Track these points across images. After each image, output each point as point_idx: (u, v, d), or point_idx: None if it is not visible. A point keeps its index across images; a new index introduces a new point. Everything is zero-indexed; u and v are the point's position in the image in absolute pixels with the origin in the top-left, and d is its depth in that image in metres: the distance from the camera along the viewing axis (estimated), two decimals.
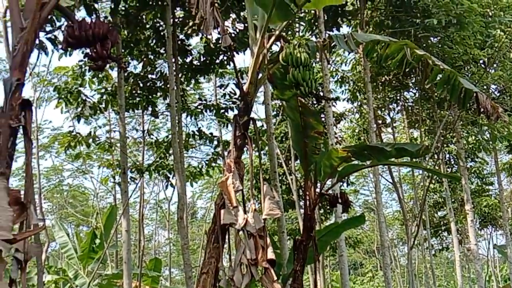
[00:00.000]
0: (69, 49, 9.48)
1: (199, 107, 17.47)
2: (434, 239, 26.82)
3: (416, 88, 19.52)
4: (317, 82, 8.27)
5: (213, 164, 18.11)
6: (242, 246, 7.46)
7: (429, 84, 9.68)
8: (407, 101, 19.96)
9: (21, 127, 5.43)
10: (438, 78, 8.90)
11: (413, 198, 23.94)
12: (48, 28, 12.38)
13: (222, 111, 17.28)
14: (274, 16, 7.39)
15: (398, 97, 19.34)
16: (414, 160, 9.91)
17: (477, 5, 15.16)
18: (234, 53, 14.40)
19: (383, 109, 19.61)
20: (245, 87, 7.82)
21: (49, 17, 6.12)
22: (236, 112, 7.84)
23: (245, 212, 7.51)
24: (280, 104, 15.91)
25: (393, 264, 42.43)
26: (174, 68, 13.10)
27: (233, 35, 13.96)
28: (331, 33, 12.77)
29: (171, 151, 16.87)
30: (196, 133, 17.03)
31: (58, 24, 12.39)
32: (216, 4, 8.21)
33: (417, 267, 25.65)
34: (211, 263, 7.53)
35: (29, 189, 5.41)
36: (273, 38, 7.77)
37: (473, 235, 21.28)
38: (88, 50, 5.79)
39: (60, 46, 12.78)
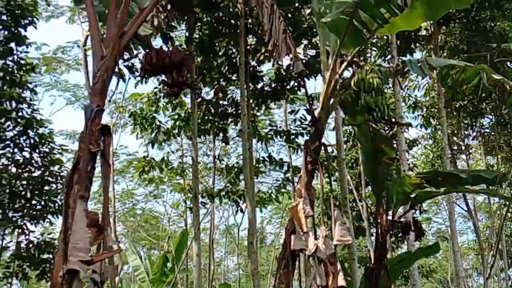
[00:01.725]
0: (146, 76, 9.78)
1: (269, 132, 17.55)
2: (511, 270, 26.10)
3: (493, 113, 19.19)
4: (389, 107, 8.24)
5: (283, 190, 18.16)
6: (313, 272, 7.47)
7: (507, 110, 9.47)
8: (483, 127, 19.61)
9: (99, 152, 5.63)
10: None
11: (489, 227, 23.42)
12: (126, 56, 12.72)
13: (293, 136, 17.33)
14: (346, 42, 7.44)
15: (473, 123, 19.03)
16: (490, 187, 9.70)
17: None
18: (305, 79, 14.54)
19: (458, 135, 19.32)
20: (316, 113, 7.87)
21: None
22: (307, 137, 7.86)
23: (315, 238, 7.52)
24: (351, 129, 15.85)
25: None
26: (245, 94, 13.22)
27: (304, 61, 14.07)
28: (404, 58, 12.68)
29: (241, 177, 17.04)
30: (267, 158, 17.08)
31: (135, 52, 12.72)
32: (288, 31, 8.34)
33: None
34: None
35: (106, 212, 5.59)
36: (345, 64, 7.81)
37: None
38: (164, 77, 5.98)
39: (137, 74, 13.09)
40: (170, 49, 6.01)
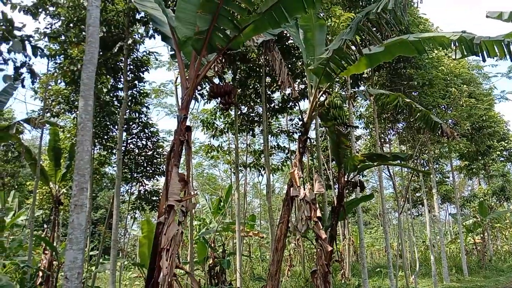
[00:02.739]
0: (210, 99, 9.80)
1: (277, 131, 17.54)
2: (413, 209, 25.80)
3: (404, 121, 19.03)
4: (346, 117, 8.16)
5: (285, 164, 18.08)
6: (302, 208, 7.47)
7: (413, 119, 9.33)
8: (398, 129, 19.34)
9: (185, 141, 5.66)
10: (418, 115, 8.67)
11: (401, 185, 23.20)
12: (199, 88, 12.80)
13: (291, 133, 17.29)
14: (322, 80, 7.39)
15: (393, 126, 18.79)
16: (403, 162, 9.60)
17: (441, 74, 14.69)
18: (299, 101, 14.49)
19: (384, 133, 19.09)
20: (305, 119, 7.86)
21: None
22: (299, 134, 7.85)
23: (304, 189, 7.52)
24: (324, 129, 15.76)
25: (388, 223, 41.20)
26: (265, 110, 13.18)
27: (298, 91, 14.07)
28: (354, 89, 12.59)
29: (262, 156, 17.05)
30: (276, 146, 17.08)
31: (204, 86, 12.77)
32: (289, 73, 8.31)
33: (403, 226, 24.71)
34: (284, 217, 7.57)
35: (188, 174, 5.62)
36: (321, 92, 7.76)
37: (437, 207, 20.41)
38: (219, 100, 6.00)
39: (205, 98, 13.10)
40: (223, 84, 6.01)
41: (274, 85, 13.92)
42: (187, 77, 5.85)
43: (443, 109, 17.11)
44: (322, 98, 8.63)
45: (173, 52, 6.78)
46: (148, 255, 9.31)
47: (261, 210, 34.96)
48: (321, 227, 7.31)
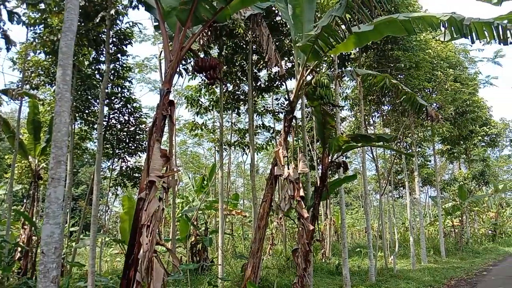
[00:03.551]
0: (195, 73, 9.58)
1: (263, 110, 17.39)
2: (394, 192, 26.21)
3: (389, 104, 19.10)
4: (332, 97, 8.08)
5: (269, 143, 18.03)
6: (286, 187, 7.45)
7: (399, 101, 9.30)
8: (383, 111, 19.43)
9: (168, 115, 5.52)
10: (404, 97, 8.65)
11: (383, 167, 23.47)
12: (183, 62, 12.52)
13: (276, 113, 17.19)
14: (310, 58, 7.27)
15: (378, 109, 18.86)
16: (387, 144, 9.61)
17: (428, 57, 14.68)
18: (285, 80, 14.37)
19: (368, 115, 19.16)
20: (291, 98, 7.75)
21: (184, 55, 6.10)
22: (285, 113, 7.77)
23: (288, 168, 7.49)
24: (310, 110, 15.70)
25: (369, 205, 41.88)
26: (251, 88, 13.03)
27: (285, 69, 13.93)
28: (342, 69, 12.54)
29: (246, 135, 16.95)
30: (261, 125, 16.95)
31: (189, 60, 12.49)
32: (277, 51, 8.16)
33: (384, 207, 25.17)
34: (268, 196, 7.54)
35: (171, 150, 5.50)
36: (308, 71, 7.65)
37: (418, 190, 20.71)
38: (204, 74, 5.84)
39: (189, 72, 12.86)
40: (208, 58, 5.84)
41: (261, 63, 13.72)
42: (171, 50, 5.67)
43: (428, 92, 17.19)
44: (309, 77, 8.54)
45: (157, 23, 6.56)
46: (129, 231, 9.18)
47: (244, 189, 35.05)
48: (304, 206, 7.31)
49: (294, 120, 7.74)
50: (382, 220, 16.46)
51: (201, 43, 6.87)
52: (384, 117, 19.87)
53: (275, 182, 7.58)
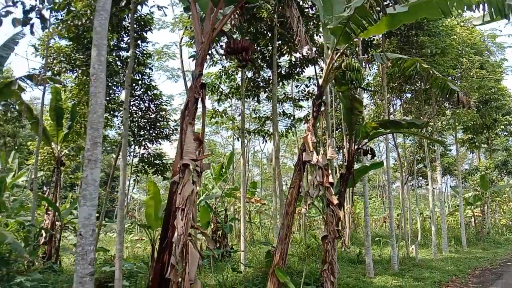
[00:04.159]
0: (226, 56, 9.32)
1: (284, 97, 17.20)
2: (414, 181, 25.85)
3: (410, 91, 18.77)
4: (363, 81, 7.90)
5: (289, 131, 17.88)
6: (315, 173, 7.33)
7: (428, 86, 9.04)
8: (406, 98, 19.07)
9: (200, 98, 5.43)
10: (434, 82, 8.40)
11: (403, 156, 23.15)
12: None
13: (296, 100, 16.98)
14: (340, 40, 7.09)
15: (400, 96, 18.52)
16: (417, 130, 9.39)
17: (454, 42, 14.29)
18: (314, 63, 14.21)
19: (389, 103, 18.84)
20: (320, 83, 7.58)
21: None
22: (313, 97, 7.58)
23: (317, 154, 7.36)
24: (336, 94, 15.38)
25: (387, 194, 41.70)
26: (275, 71, 12.83)
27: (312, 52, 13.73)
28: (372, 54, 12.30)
29: (267, 122, 16.84)
30: (281, 112, 16.76)
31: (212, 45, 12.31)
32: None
33: (403, 197, 24.90)
34: (296, 182, 7.44)
35: (203, 133, 5.42)
36: (338, 54, 7.47)
37: (440, 179, 20.40)
38: (236, 57, 5.72)
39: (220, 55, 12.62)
40: (240, 39, 5.72)
41: (285, 48, 13.47)
42: (203, 31, 5.55)
43: (453, 79, 16.79)
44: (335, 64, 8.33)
45: (186, 5, 6.45)
46: (154, 216, 9.23)
47: (261, 178, 35.02)
48: (333, 193, 7.19)
49: (323, 106, 7.56)
50: (404, 209, 16.23)
51: (233, 23, 6.73)
52: (405, 105, 19.50)
53: (303, 168, 7.46)
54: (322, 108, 7.63)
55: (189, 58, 12.52)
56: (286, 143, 32.74)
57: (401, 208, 16.56)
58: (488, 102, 20.52)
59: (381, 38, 14.63)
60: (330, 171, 7.33)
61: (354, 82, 7.13)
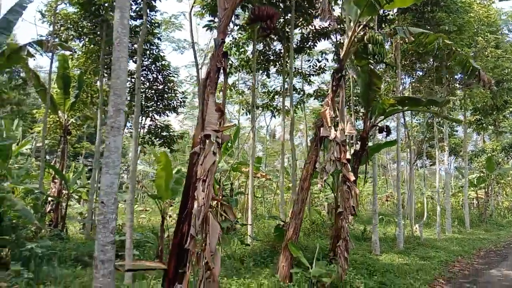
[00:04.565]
0: (250, 24, 9.03)
1: (294, 72, 16.89)
2: (419, 161, 25.78)
3: (421, 69, 18.47)
4: (386, 55, 7.70)
5: (298, 106, 17.69)
6: (332, 149, 7.22)
7: (450, 62, 8.81)
8: (418, 76, 18.74)
9: (222, 68, 5.27)
10: (457, 58, 8.21)
11: (410, 135, 22.99)
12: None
13: (307, 75, 16.71)
14: (364, 12, 6.88)
15: (412, 74, 18.21)
16: (434, 108, 9.23)
17: (472, 19, 13.94)
18: (322, 38, 13.88)
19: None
20: (341, 56, 7.40)
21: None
22: (333, 71, 7.37)
23: (335, 130, 7.24)
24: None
25: (389, 173, 41.67)
26: (290, 48, 12.57)
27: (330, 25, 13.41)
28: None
29: (276, 97, 16.63)
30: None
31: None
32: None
33: (408, 177, 24.89)
34: (312, 157, 7.36)
35: (224, 103, 5.29)
36: (361, 27, 7.26)
37: (447, 160, 20.32)
38: (260, 26, 5.52)
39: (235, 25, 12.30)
40: (266, 6, 5.50)
41: (300, 20, 13.13)
42: None
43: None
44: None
45: None
46: (165, 187, 9.19)
47: (264, 154, 34.95)
48: (350, 170, 7.10)
49: (343, 79, 7.39)
50: (411, 189, 16.21)
51: None
52: (414, 84, 19.21)
53: (320, 143, 7.36)
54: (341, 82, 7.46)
55: (204, 27, 11.97)
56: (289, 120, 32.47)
57: (406, 188, 16.49)
58: (500, 83, 20.21)
59: (395, 14, 14.27)
60: (347, 147, 7.22)
61: (376, 56, 6.94)
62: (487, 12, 16.32)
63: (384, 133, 9.35)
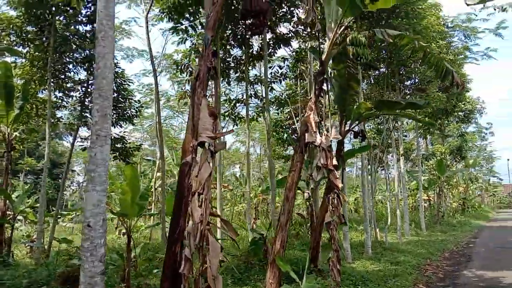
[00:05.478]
0: (242, 20, 8.40)
1: (255, 79, 16.58)
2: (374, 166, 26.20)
3: (373, 77, 18.71)
4: (370, 56, 7.53)
5: (260, 114, 17.36)
6: (318, 156, 6.91)
7: (424, 65, 8.80)
8: (370, 83, 18.90)
9: (212, 68, 4.79)
10: (431, 61, 8.23)
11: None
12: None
13: (269, 81, 16.40)
14: (347, 13, 6.65)
15: (367, 81, 18.39)
16: (412, 112, 9.19)
17: (430, 25, 14.38)
18: (283, 45, 13.64)
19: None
20: (323, 58, 7.12)
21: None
22: (315, 74, 7.05)
23: (320, 135, 6.93)
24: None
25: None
26: (265, 43, 12.07)
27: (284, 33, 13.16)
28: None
29: (237, 105, 16.18)
30: (253, 94, 16.09)
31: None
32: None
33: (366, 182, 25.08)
34: (297, 165, 6.98)
35: (218, 108, 4.80)
36: (342, 28, 7.04)
37: (402, 164, 20.80)
38: (251, 22, 5.10)
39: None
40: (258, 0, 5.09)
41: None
42: None
43: (421, 63, 16.92)
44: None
45: None
46: (131, 203, 8.43)
47: (221, 165, 34.24)
48: (337, 176, 6.81)
49: (325, 83, 7.11)
50: (373, 194, 16.34)
51: None
52: (365, 92, 19.49)
53: (304, 150, 7.01)
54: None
55: (169, 30, 11.37)
56: (244, 129, 32.15)
57: (364, 193, 16.60)
58: (448, 89, 21.08)
59: (351, 21, 14.32)
60: (333, 153, 6.93)
61: (361, 57, 6.73)
62: (437, 20, 16.93)
63: (360, 137, 9.19)
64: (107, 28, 3.64)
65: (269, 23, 4.76)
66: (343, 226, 9.25)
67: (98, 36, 3.63)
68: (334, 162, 6.83)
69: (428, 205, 28.49)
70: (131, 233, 8.98)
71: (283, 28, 13.40)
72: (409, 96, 20.37)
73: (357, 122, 9.05)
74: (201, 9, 10.60)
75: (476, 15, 18.81)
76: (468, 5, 8.82)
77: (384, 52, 16.00)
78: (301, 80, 18.19)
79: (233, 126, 15.88)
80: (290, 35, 12.50)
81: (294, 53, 15.93)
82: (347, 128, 8.84)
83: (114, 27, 3.72)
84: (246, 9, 4.98)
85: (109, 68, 3.63)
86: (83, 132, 19.10)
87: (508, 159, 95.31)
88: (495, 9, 10.88)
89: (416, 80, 19.35)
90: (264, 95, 16.11)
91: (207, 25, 4.81)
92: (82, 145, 15.80)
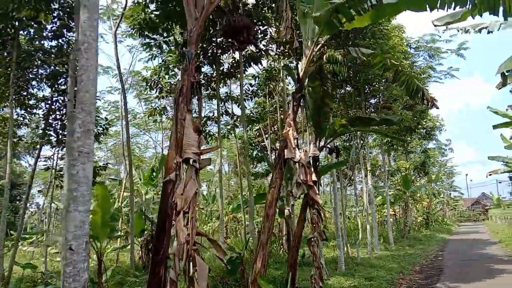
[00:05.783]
0: (225, 38, 8.21)
1: (226, 97, 16.45)
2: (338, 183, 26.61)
3: (339, 94, 18.98)
4: (345, 74, 7.61)
5: (231, 131, 17.24)
6: (297, 172, 6.86)
7: (396, 83, 8.98)
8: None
9: (195, 82, 4.68)
10: (402, 78, 8.44)
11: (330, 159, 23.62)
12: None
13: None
14: (324, 31, 6.72)
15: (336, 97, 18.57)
16: (385, 129, 9.33)
17: (397, 44, 14.85)
18: (253, 63, 13.67)
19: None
20: (300, 75, 7.13)
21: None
22: (293, 91, 7.06)
23: (299, 151, 6.89)
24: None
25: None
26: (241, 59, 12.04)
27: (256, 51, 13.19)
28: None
29: (208, 122, 16.00)
30: (224, 111, 15.93)
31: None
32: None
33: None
34: (276, 181, 6.89)
35: (201, 123, 4.67)
36: (319, 46, 7.09)
37: (370, 180, 21.11)
38: (236, 39, 5.04)
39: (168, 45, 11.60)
40: (240, 17, 5.05)
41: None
42: (196, 5, 4.81)
43: (386, 82, 17.40)
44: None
45: None
46: (101, 225, 8.11)
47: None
48: (317, 192, 6.77)
49: (303, 99, 7.12)
50: (344, 210, 16.46)
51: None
52: (333, 108, 19.83)
53: (284, 165, 6.95)
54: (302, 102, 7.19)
55: (142, 45, 11.18)
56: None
57: (343, 209, 16.72)
58: (412, 107, 21.75)
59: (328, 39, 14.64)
60: (312, 169, 6.90)
61: (338, 74, 6.80)
62: (400, 40, 17.54)
63: (334, 154, 9.24)
64: (91, 39, 3.47)
65: (253, 39, 4.74)
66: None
67: (81, 48, 3.45)
68: (314, 178, 6.80)
69: (394, 220, 28.99)
70: (101, 256, 8.60)
71: (253, 47, 13.45)
72: (374, 114, 20.90)
73: (331, 139, 9.10)
74: (174, 25, 10.51)
75: (440, 36, 19.48)
76: (435, 26, 9.18)
77: (350, 71, 16.38)
78: (270, 98, 18.30)
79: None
80: (260, 53, 12.51)
81: (264, 71, 16.02)
82: (321, 144, 8.85)
83: (98, 38, 3.56)
84: (229, 25, 4.92)
85: (92, 81, 3.45)
86: (45, 151, 18.22)
87: (466, 174, 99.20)
88: (458, 31, 11.38)
89: (381, 99, 19.86)
90: (239, 112, 16.10)
91: (190, 40, 4.71)
92: (45, 165, 15.20)
